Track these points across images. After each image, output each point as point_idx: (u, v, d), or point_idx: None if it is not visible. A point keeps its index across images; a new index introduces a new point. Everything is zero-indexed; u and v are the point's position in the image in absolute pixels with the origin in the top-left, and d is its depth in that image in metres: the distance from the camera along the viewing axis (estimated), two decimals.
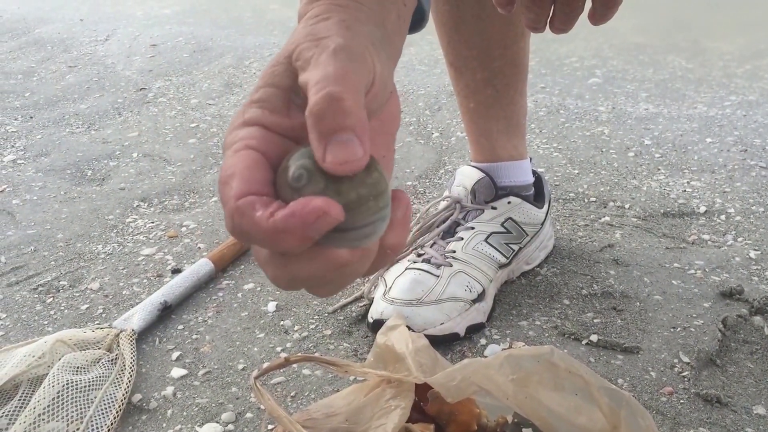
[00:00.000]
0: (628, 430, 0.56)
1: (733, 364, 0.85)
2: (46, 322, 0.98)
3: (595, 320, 0.93)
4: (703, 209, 1.21)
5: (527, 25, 0.68)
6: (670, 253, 1.09)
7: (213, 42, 2.42)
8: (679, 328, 0.91)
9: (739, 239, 1.12)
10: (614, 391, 0.57)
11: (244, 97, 1.91)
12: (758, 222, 1.17)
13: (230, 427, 0.78)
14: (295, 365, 0.87)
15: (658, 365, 0.85)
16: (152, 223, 1.25)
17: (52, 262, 1.13)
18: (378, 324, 0.90)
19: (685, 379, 0.82)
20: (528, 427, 0.64)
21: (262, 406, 0.56)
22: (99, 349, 0.88)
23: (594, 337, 0.89)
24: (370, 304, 0.95)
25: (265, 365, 0.63)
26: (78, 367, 0.84)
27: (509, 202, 1.01)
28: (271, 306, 0.99)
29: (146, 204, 1.32)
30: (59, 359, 0.84)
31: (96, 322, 0.97)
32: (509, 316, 0.95)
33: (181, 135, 1.66)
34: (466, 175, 1.02)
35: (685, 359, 0.85)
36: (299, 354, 0.63)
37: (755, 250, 1.08)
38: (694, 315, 0.93)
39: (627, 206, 1.24)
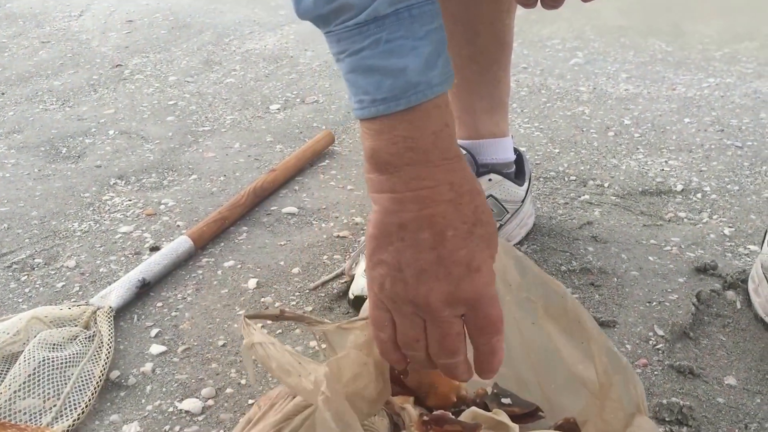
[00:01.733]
0: (617, 395, 0.56)
1: (706, 336, 0.87)
2: (20, 300, 0.97)
3: (573, 295, 0.94)
4: (680, 188, 1.23)
5: (519, 1, 0.67)
6: (647, 230, 1.10)
7: (192, 18, 2.39)
8: (654, 303, 0.92)
9: (714, 217, 1.13)
10: (615, 354, 0.57)
11: (224, 75, 1.89)
12: (733, 200, 1.18)
13: (210, 402, 0.78)
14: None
15: (633, 338, 0.86)
16: (129, 200, 1.23)
17: (27, 240, 1.11)
18: (359, 300, 0.90)
19: (660, 352, 0.84)
20: (507, 398, 0.64)
21: (250, 339, 0.55)
22: (76, 326, 0.87)
23: None
24: (351, 281, 0.95)
25: (260, 311, 0.62)
26: (54, 344, 0.83)
27: (490, 180, 1.01)
28: (252, 283, 0.99)
29: (123, 182, 1.31)
30: (34, 336, 0.83)
31: (72, 300, 0.96)
32: None
33: (158, 112, 1.64)
34: None
35: (660, 332, 0.87)
36: (294, 312, 0.63)
37: (729, 227, 1.10)
38: (669, 290, 0.95)
39: (606, 185, 1.24)
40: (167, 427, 0.75)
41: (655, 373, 0.80)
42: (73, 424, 0.74)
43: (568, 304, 0.60)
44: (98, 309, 0.90)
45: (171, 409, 0.77)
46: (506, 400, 0.64)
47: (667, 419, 0.74)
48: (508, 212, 1.03)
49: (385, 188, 0.52)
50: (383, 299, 0.54)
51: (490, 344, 0.54)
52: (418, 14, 0.50)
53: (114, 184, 1.30)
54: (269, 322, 0.88)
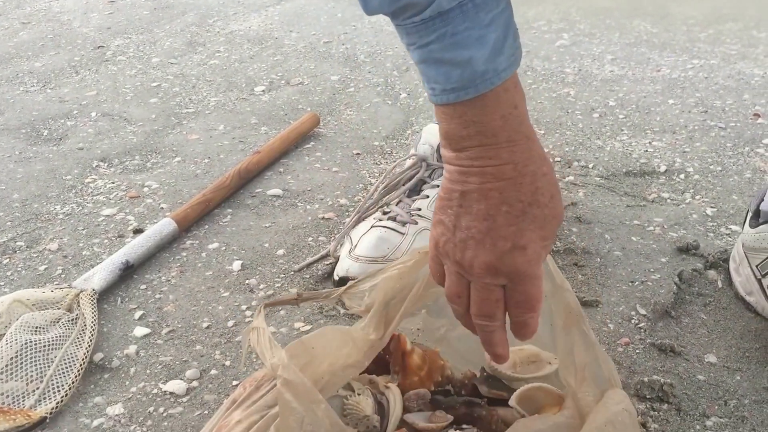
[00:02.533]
0: (590, 373, 0.57)
1: (688, 315, 0.88)
2: (2, 283, 0.96)
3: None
4: (663, 168, 1.23)
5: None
6: (631, 210, 1.10)
7: None
8: (637, 282, 0.93)
9: (697, 197, 1.14)
10: (586, 336, 0.58)
11: (208, 56, 1.87)
12: (715, 180, 1.19)
13: (194, 383, 0.78)
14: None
15: (616, 318, 0.87)
16: (112, 183, 1.22)
17: (8, 223, 1.10)
18: (343, 282, 0.90)
19: (642, 330, 0.84)
20: (496, 381, 0.65)
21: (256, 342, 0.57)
22: (58, 309, 0.87)
23: None
24: (336, 262, 0.95)
25: (277, 297, 0.63)
26: (37, 327, 0.82)
27: None
28: (236, 265, 0.99)
29: (106, 164, 1.30)
30: (17, 319, 0.82)
31: (55, 283, 0.95)
32: None
33: (141, 94, 1.62)
34: (433, 133, 1.02)
35: (642, 311, 0.87)
36: (309, 292, 0.64)
37: (712, 207, 1.11)
38: (652, 270, 0.95)
39: (591, 166, 1.25)
40: (151, 409, 0.75)
41: (637, 351, 0.81)
42: (57, 407, 0.74)
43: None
44: (81, 291, 0.89)
45: (155, 391, 0.77)
46: (495, 384, 0.65)
47: (648, 396, 0.74)
48: None
49: (454, 162, 0.55)
50: (438, 254, 0.58)
51: (523, 318, 0.57)
52: (482, 2, 0.51)
53: (96, 166, 1.29)
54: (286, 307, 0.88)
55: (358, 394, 0.61)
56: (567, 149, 1.31)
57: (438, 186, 0.99)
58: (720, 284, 0.93)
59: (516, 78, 0.54)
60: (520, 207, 0.54)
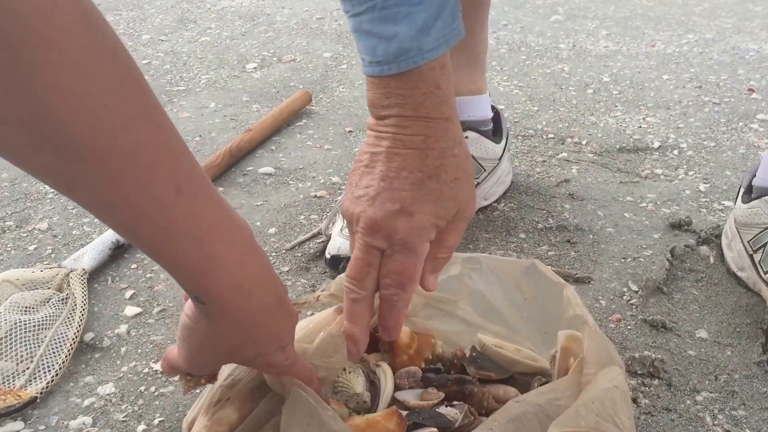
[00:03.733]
0: (592, 355, 0.56)
1: (679, 291, 0.88)
2: None
3: (549, 253, 0.94)
4: (657, 144, 1.23)
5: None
6: (624, 187, 1.10)
7: None
8: (629, 259, 0.93)
9: (690, 173, 1.14)
10: (580, 318, 0.58)
11: (199, 33, 1.85)
12: (709, 156, 1.19)
13: None
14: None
15: (608, 294, 0.87)
16: None
17: None
18: (335, 260, 0.90)
19: (633, 307, 0.84)
20: (486, 360, 0.64)
21: None
22: (48, 288, 0.86)
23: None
24: (328, 241, 0.94)
25: (296, 300, 0.64)
26: (27, 307, 0.82)
27: (467, 137, 1.00)
28: None
29: None
30: (6, 299, 0.82)
31: (45, 262, 0.95)
32: (466, 251, 0.95)
33: None
34: None
35: (634, 288, 0.87)
36: (326, 294, 0.64)
37: (705, 183, 1.11)
38: (644, 246, 0.95)
39: (584, 142, 1.24)
40: (143, 388, 0.75)
41: (629, 327, 0.81)
42: (47, 386, 0.74)
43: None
44: (71, 271, 0.89)
45: (146, 370, 0.77)
46: (484, 364, 0.64)
47: (639, 372, 0.75)
48: (485, 170, 1.02)
49: (373, 128, 0.57)
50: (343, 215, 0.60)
51: (390, 294, 0.56)
52: None
53: None
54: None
55: (349, 372, 0.61)
56: (560, 126, 1.30)
57: None
58: (712, 260, 0.93)
59: (444, 59, 0.55)
60: (419, 176, 0.55)
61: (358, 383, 0.60)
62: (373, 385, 0.61)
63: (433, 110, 0.55)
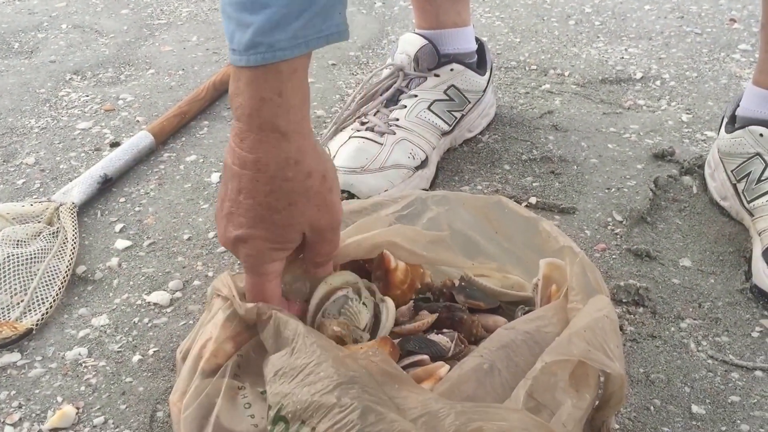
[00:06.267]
0: (578, 283, 0.58)
1: (663, 221, 0.90)
2: None
3: (534, 184, 0.96)
4: (639, 75, 1.23)
5: None
6: (607, 118, 1.11)
7: None
8: (613, 189, 0.94)
9: (673, 104, 1.15)
10: (570, 249, 0.60)
11: None
12: (691, 87, 1.20)
13: (178, 294, 0.80)
14: None
15: (592, 224, 0.89)
16: (87, 96, 1.19)
17: None
18: None
19: (618, 236, 0.87)
20: (474, 289, 0.66)
21: None
22: (39, 222, 0.87)
23: (533, 200, 0.92)
24: None
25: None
26: (18, 241, 0.82)
27: (452, 70, 1.00)
28: (215, 177, 0.98)
29: (79, 77, 1.26)
30: None
31: (34, 197, 0.95)
32: (452, 182, 0.97)
33: (112, 5, 1.56)
34: (410, 42, 1.00)
35: (618, 218, 0.89)
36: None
37: (687, 113, 1.12)
38: (628, 176, 0.97)
39: (567, 74, 1.24)
40: (136, 319, 0.76)
41: (613, 257, 0.84)
42: (42, 318, 0.75)
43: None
44: (61, 205, 0.89)
45: (139, 302, 0.78)
46: (472, 293, 0.65)
47: (624, 300, 0.77)
48: (469, 102, 1.03)
49: (232, 128, 0.54)
50: None
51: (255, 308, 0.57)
52: None
53: (70, 79, 1.25)
54: None
55: (363, 304, 0.61)
56: (543, 57, 1.30)
57: (416, 96, 0.98)
58: (695, 190, 0.95)
59: (298, 64, 0.51)
60: (251, 203, 0.53)
61: (363, 319, 0.60)
62: (376, 318, 0.62)
63: (267, 122, 0.51)
